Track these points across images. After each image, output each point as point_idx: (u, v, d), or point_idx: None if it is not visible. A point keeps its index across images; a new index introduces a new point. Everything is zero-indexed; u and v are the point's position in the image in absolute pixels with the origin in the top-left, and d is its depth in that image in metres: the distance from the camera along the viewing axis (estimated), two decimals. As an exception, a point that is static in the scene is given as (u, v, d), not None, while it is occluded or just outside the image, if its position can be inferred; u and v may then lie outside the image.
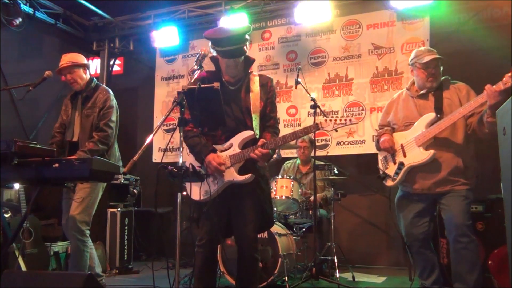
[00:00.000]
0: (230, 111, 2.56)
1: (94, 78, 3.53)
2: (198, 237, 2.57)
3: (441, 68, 2.99)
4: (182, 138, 2.35)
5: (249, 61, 2.65)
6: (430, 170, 2.86)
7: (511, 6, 4.62)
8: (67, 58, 3.42)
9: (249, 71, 2.67)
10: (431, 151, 2.82)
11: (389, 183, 3.06)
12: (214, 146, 2.54)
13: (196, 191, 2.48)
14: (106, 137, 3.29)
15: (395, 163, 3.00)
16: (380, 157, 3.18)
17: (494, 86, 2.62)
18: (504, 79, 2.59)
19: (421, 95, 3.01)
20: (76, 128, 3.37)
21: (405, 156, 2.95)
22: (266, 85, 2.64)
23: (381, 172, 3.11)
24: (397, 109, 3.13)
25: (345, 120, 2.45)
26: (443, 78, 3.01)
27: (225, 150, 2.53)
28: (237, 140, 2.52)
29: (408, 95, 3.10)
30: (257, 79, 2.64)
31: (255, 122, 2.55)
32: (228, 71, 2.57)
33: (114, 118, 3.38)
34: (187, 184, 2.58)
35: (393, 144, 3.01)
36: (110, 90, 3.52)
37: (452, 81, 3.03)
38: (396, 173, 2.98)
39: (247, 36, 2.51)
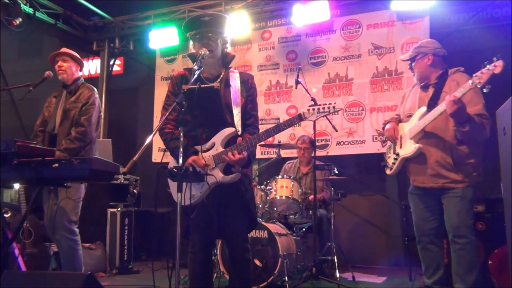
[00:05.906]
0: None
1: (82, 78, 3.60)
2: (190, 242, 2.50)
3: (428, 60, 2.95)
4: (158, 139, 2.25)
5: (229, 57, 2.57)
6: (420, 163, 2.88)
7: (511, 6, 4.62)
8: (66, 50, 3.56)
9: (229, 67, 2.57)
10: (417, 145, 2.84)
11: (388, 171, 3.11)
12: (195, 147, 2.41)
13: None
14: (84, 133, 3.27)
15: (394, 152, 3.05)
16: (387, 145, 3.21)
17: (450, 95, 2.59)
18: (460, 88, 2.59)
19: (423, 87, 3.02)
20: (57, 121, 3.37)
21: (401, 147, 2.99)
22: (247, 81, 2.55)
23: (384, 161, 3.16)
24: (405, 100, 3.16)
25: (328, 108, 2.32)
26: (453, 69, 2.94)
27: (207, 150, 2.41)
28: (219, 138, 2.40)
29: (418, 86, 3.09)
30: (237, 75, 2.55)
31: (237, 118, 2.44)
32: (205, 63, 2.43)
33: (94, 115, 3.38)
34: (172, 190, 2.47)
35: (395, 133, 3.05)
36: (95, 89, 3.56)
37: (461, 72, 2.93)
38: (393, 163, 3.03)
39: (222, 24, 2.48)
